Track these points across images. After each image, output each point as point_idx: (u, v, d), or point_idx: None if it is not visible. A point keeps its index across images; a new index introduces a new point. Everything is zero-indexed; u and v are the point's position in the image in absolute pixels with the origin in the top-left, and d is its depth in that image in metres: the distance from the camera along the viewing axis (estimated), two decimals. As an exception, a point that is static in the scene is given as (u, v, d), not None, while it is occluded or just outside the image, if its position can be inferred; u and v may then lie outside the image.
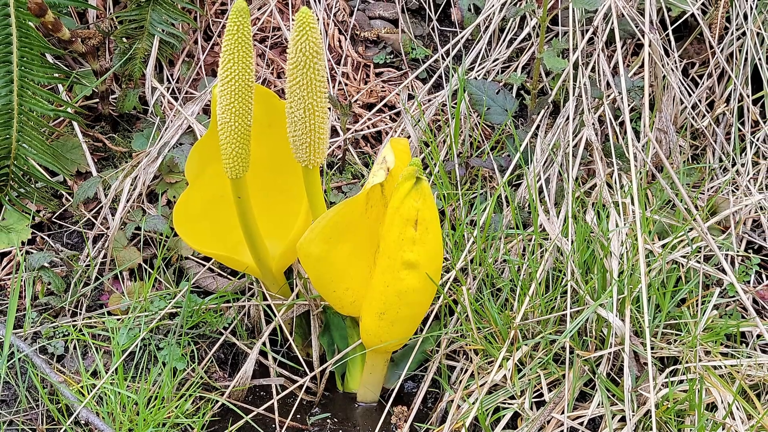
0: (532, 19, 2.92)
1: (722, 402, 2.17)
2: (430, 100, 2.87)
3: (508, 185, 2.59)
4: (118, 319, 2.43)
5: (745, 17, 2.89)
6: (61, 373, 2.34)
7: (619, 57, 2.59)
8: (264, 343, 2.45)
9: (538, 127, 2.71)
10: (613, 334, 2.22)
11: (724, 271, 2.41)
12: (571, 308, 2.26)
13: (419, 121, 2.78)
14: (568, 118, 2.66)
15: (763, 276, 2.63)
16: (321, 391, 2.46)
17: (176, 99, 2.87)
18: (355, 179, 2.78)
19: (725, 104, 2.88)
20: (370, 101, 2.96)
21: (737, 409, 2.16)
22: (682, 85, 2.86)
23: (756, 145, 2.85)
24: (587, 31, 2.75)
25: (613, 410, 2.18)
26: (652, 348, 2.24)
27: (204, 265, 2.58)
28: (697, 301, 2.37)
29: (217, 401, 2.36)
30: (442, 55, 2.98)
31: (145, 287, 2.47)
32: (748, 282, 2.59)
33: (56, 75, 2.65)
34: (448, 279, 2.40)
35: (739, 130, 2.87)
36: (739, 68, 2.88)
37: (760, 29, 2.89)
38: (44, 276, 2.50)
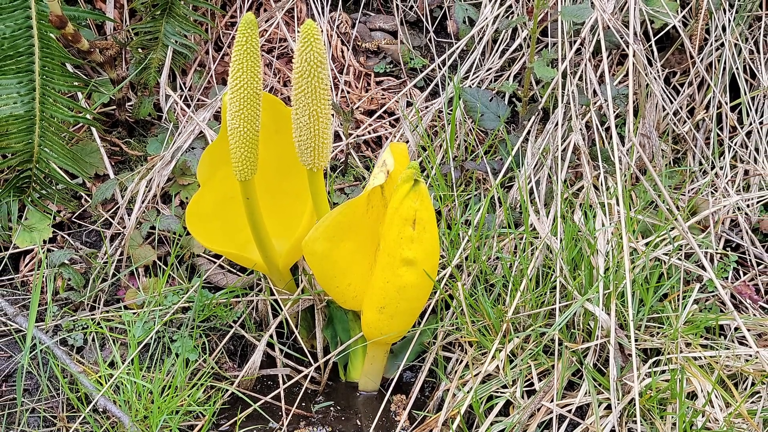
0: (523, 31, 2.92)
1: (702, 391, 2.17)
2: (427, 107, 2.87)
3: (500, 187, 2.59)
4: (134, 313, 2.43)
5: (724, 29, 2.89)
6: (81, 364, 2.34)
7: (605, 66, 2.58)
8: (271, 336, 2.44)
9: (528, 133, 2.71)
10: (599, 327, 2.22)
11: (703, 268, 2.41)
12: (559, 303, 2.26)
13: (417, 126, 2.78)
14: (557, 124, 2.66)
15: (741, 272, 2.63)
16: (325, 380, 2.46)
17: (188, 106, 2.87)
18: (356, 181, 2.78)
19: (705, 111, 2.88)
20: (370, 108, 2.96)
21: (716, 397, 2.16)
22: (665, 92, 2.86)
23: (734, 149, 2.86)
24: (575, 42, 2.75)
25: (599, 399, 2.18)
26: (636, 340, 2.24)
27: (215, 262, 2.58)
28: (678, 296, 2.37)
29: (227, 390, 2.36)
30: (438, 64, 2.98)
31: (159, 283, 2.47)
32: (727, 278, 2.59)
33: (76, 83, 2.65)
34: (445, 275, 2.40)
35: (718, 135, 2.87)
36: (718, 77, 2.88)
37: (737, 41, 2.89)
38: (64, 272, 2.50)
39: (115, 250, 2.58)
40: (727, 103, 2.89)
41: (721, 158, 2.84)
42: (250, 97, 2.00)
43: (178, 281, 2.53)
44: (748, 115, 2.90)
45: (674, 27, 2.87)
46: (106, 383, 2.25)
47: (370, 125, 2.91)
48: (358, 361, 2.43)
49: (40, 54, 2.48)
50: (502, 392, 2.23)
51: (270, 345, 2.47)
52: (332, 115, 2.06)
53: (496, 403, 2.21)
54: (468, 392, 2.21)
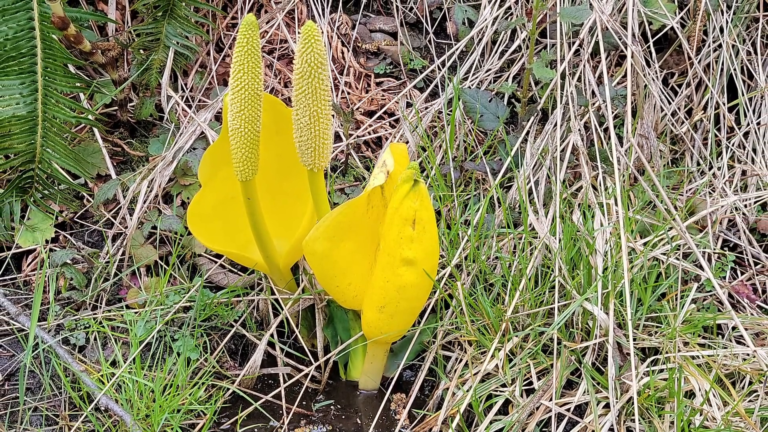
0: (522, 32, 2.92)
1: (700, 390, 2.17)
2: (427, 108, 2.87)
3: (499, 187, 2.59)
4: (136, 313, 2.43)
5: (721, 30, 2.89)
6: (83, 363, 2.34)
7: (604, 67, 2.59)
8: (272, 335, 2.45)
9: (527, 133, 2.71)
10: (598, 326, 2.22)
11: (701, 268, 2.42)
12: (558, 302, 2.27)
13: (417, 127, 2.78)
14: (555, 125, 2.66)
15: (738, 272, 2.63)
16: (325, 379, 2.46)
17: (190, 107, 2.87)
18: (357, 182, 2.78)
19: (702, 111, 2.89)
20: (371, 109, 2.96)
21: (714, 396, 2.16)
22: (663, 93, 2.87)
23: (731, 149, 2.86)
24: (574, 43, 2.76)
25: (597, 397, 2.18)
26: (634, 339, 2.24)
27: (216, 262, 2.58)
28: (676, 295, 2.38)
29: (228, 389, 2.36)
30: (438, 65, 2.98)
31: (160, 283, 2.47)
32: (724, 278, 2.59)
33: (78, 84, 2.65)
34: (444, 275, 2.40)
35: (716, 135, 2.87)
36: (715, 78, 2.88)
37: (735, 42, 2.89)
38: (67, 272, 2.51)
39: (117, 249, 2.58)
40: (724, 104, 2.89)
41: (719, 158, 2.84)
42: (251, 98, 2.00)
43: (180, 281, 2.54)
44: (745, 116, 2.90)
45: (672, 28, 2.87)
46: (108, 382, 2.25)
47: (370, 126, 2.91)
48: (359, 360, 2.43)
49: (42, 55, 2.48)
50: (501, 391, 2.23)
51: (271, 344, 2.47)
52: (332, 115, 2.06)
53: (496, 402, 2.22)
54: (467, 391, 2.21)
